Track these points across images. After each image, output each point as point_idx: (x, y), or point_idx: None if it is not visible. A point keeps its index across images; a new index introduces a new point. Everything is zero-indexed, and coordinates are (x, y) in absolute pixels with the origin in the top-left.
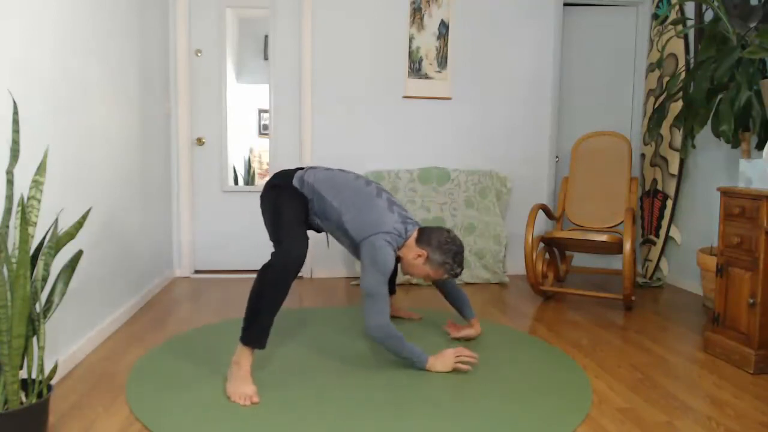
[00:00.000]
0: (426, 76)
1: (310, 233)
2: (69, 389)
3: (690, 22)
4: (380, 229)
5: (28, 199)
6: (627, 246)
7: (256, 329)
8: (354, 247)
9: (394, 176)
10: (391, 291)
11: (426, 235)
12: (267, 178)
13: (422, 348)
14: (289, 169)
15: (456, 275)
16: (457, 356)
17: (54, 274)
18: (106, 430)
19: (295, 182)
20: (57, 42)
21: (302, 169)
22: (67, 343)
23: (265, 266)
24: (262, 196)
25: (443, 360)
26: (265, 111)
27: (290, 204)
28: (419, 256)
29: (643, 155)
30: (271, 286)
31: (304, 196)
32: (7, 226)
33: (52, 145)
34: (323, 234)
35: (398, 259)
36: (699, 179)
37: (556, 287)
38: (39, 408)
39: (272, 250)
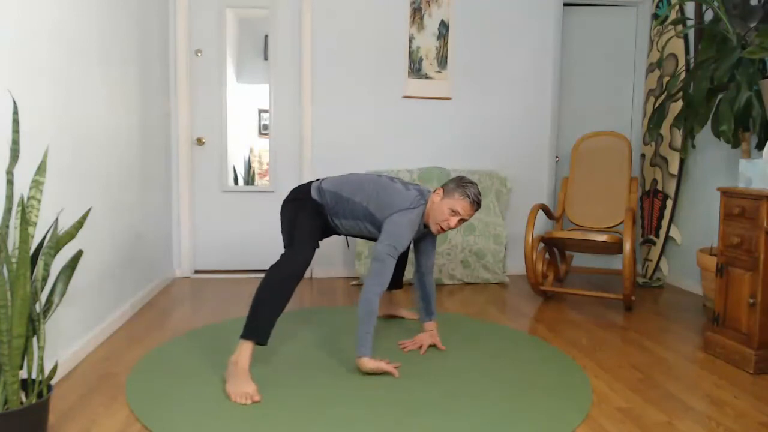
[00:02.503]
0: (426, 76)
1: (333, 238)
2: (69, 389)
3: (690, 22)
4: (401, 207)
5: (28, 199)
6: (627, 246)
7: (258, 323)
8: (379, 228)
9: (394, 176)
10: (398, 286)
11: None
12: (266, 178)
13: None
14: (304, 184)
15: (472, 195)
16: (386, 368)
17: (54, 274)
18: (106, 430)
19: (314, 194)
20: (57, 42)
21: (316, 180)
22: (67, 343)
23: (273, 266)
24: (281, 211)
25: (373, 364)
26: (265, 111)
27: (307, 215)
28: (437, 195)
29: (643, 155)
30: (276, 284)
31: (322, 206)
32: (7, 226)
33: (52, 145)
34: (334, 238)
35: (426, 226)
36: (699, 179)
37: (556, 287)
38: (39, 408)
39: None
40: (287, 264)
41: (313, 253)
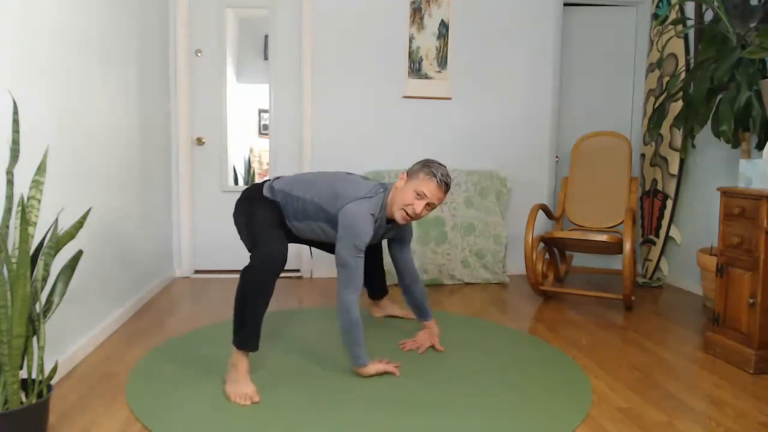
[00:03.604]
0: (426, 76)
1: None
2: (69, 389)
3: (690, 22)
4: (355, 196)
5: (28, 199)
6: (627, 246)
7: (245, 332)
8: (334, 224)
9: (394, 176)
10: (384, 292)
11: None
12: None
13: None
14: (256, 183)
15: (439, 175)
16: (387, 369)
17: (54, 274)
18: (106, 430)
19: (266, 192)
20: (57, 42)
21: (269, 180)
22: (67, 343)
23: (246, 268)
24: (234, 213)
25: (374, 369)
26: (265, 111)
27: (263, 211)
28: (401, 180)
29: (643, 155)
30: (253, 287)
31: (276, 203)
32: (7, 226)
33: (52, 145)
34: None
35: (390, 221)
36: (699, 179)
37: (556, 287)
38: (39, 408)
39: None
40: (261, 265)
41: (286, 245)
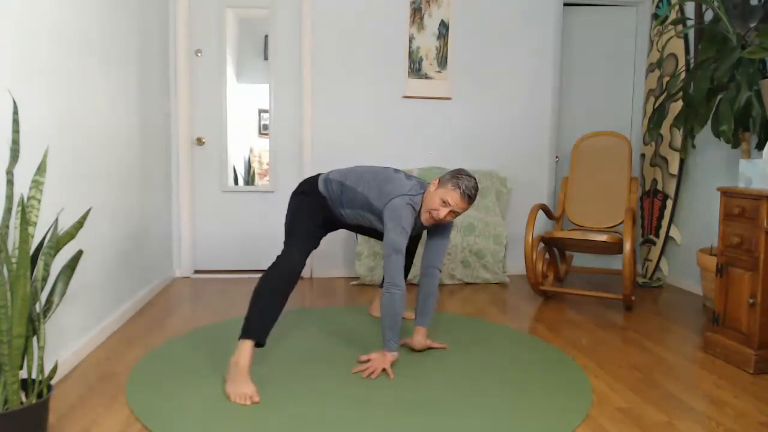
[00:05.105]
0: (426, 76)
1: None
2: (69, 389)
3: (690, 22)
4: (399, 193)
5: (28, 199)
6: (627, 246)
7: (256, 323)
8: (379, 217)
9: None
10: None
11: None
12: (267, 178)
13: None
14: (314, 176)
15: (464, 187)
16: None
17: (54, 274)
18: (106, 430)
19: (321, 186)
20: (57, 42)
21: (325, 173)
22: (67, 343)
23: (271, 266)
24: (289, 202)
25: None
26: (265, 111)
27: (309, 212)
28: (433, 185)
29: (643, 155)
30: (272, 285)
31: (326, 200)
32: (7, 226)
33: (52, 145)
34: (338, 234)
35: (418, 219)
36: (699, 179)
37: (556, 287)
38: (39, 408)
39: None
40: (284, 265)
41: (309, 252)
